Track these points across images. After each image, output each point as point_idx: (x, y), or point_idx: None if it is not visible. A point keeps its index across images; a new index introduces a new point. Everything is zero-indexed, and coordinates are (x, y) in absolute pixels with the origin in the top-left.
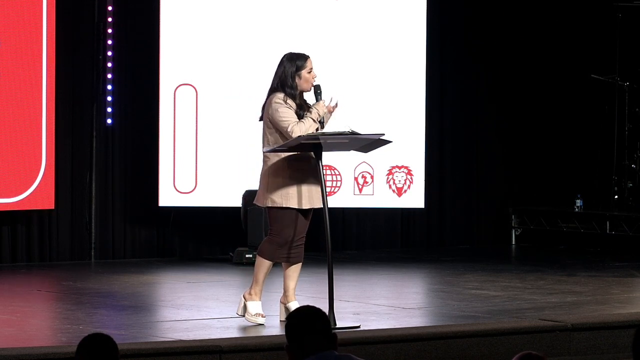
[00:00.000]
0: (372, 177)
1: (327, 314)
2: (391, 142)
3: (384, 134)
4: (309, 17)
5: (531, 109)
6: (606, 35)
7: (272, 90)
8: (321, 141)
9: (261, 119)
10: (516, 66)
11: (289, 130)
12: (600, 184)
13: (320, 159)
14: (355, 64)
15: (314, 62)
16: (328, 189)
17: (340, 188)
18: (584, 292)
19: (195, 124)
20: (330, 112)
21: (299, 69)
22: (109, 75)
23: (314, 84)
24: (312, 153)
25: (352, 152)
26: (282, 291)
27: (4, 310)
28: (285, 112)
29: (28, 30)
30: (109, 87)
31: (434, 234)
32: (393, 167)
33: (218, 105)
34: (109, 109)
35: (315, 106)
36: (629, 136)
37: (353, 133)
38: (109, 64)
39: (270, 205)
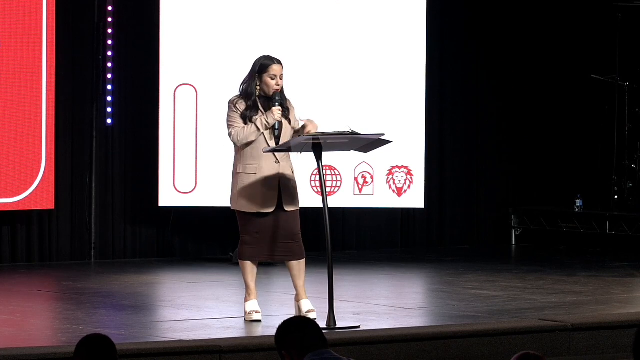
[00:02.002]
0: (372, 177)
1: (328, 314)
2: (391, 142)
3: (384, 134)
4: (309, 17)
5: (531, 109)
6: (606, 35)
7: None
8: (321, 141)
9: None
10: (516, 66)
11: (229, 134)
12: (600, 184)
13: (321, 159)
14: (355, 64)
15: (315, 62)
16: (328, 189)
17: (340, 188)
18: (584, 292)
19: (195, 124)
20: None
21: (261, 71)
22: (109, 75)
23: (277, 91)
24: (275, 159)
25: (352, 152)
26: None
27: (4, 310)
28: (231, 116)
29: (28, 30)
30: (109, 87)
31: (434, 234)
32: (393, 167)
33: (218, 105)
34: (109, 109)
35: (266, 114)
36: (629, 136)
37: (353, 133)
38: (109, 64)
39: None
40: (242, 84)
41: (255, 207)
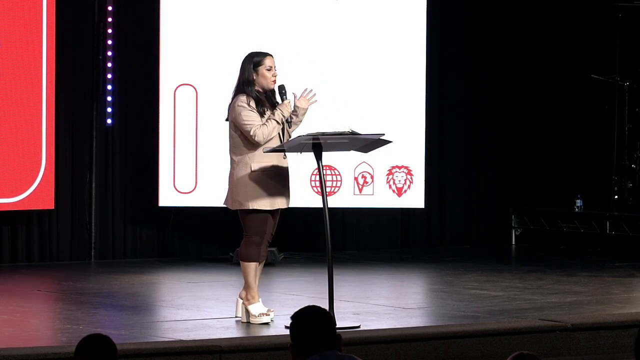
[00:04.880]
0: (372, 177)
1: None
2: (391, 142)
3: (384, 134)
4: (309, 17)
5: (531, 109)
6: (606, 35)
7: (236, 92)
8: (321, 141)
9: (227, 119)
10: (516, 66)
11: (252, 134)
12: (600, 184)
13: (321, 159)
14: (355, 64)
15: (315, 62)
16: (328, 189)
17: (340, 188)
18: (584, 292)
19: (195, 124)
20: (302, 107)
21: (256, 65)
22: (109, 75)
23: (278, 84)
24: (283, 154)
25: (352, 152)
26: (242, 289)
27: (4, 310)
28: (248, 115)
29: (28, 30)
30: (109, 87)
31: (434, 234)
32: (393, 167)
33: (218, 105)
34: (109, 109)
35: (280, 107)
36: (629, 136)
37: (353, 133)
38: (109, 64)
39: (239, 208)
40: (241, 84)
41: (276, 203)
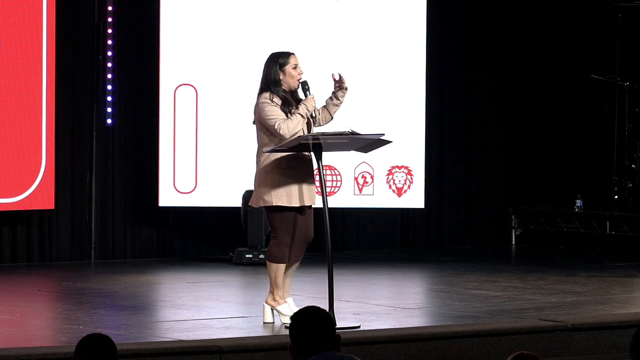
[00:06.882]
0: (372, 177)
1: None
2: (391, 142)
3: (384, 134)
4: (309, 17)
5: (531, 109)
6: (606, 35)
7: (260, 91)
8: (321, 141)
9: (254, 122)
10: (516, 66)
11: (276, 127)
12: (600, 184)
13: (321, 159)
14: (355, 64)
15: (315, 62)
16: (328, 189)
17: (340, 188)
18: (584, 292)
19: (195, 124)
20: (342, 88)
21: (282, 65)
22: (109, 75)
23: (301, 80)
24: (308, 152)
25: (352, 152)
26: (269, 293)
27: (4, 310)
28: (272, 110)
29: (28, 30)
30: (109, 87)
31: (434, 234)
32: (393, 167)
33: (218, 105)
34: (109, 109)
35: (304, 102)
36: (629, 136)
37: (353, 133)
38: (109, 64)
39: (263, 205)
40: (266, 84)
41: (300, 200)
